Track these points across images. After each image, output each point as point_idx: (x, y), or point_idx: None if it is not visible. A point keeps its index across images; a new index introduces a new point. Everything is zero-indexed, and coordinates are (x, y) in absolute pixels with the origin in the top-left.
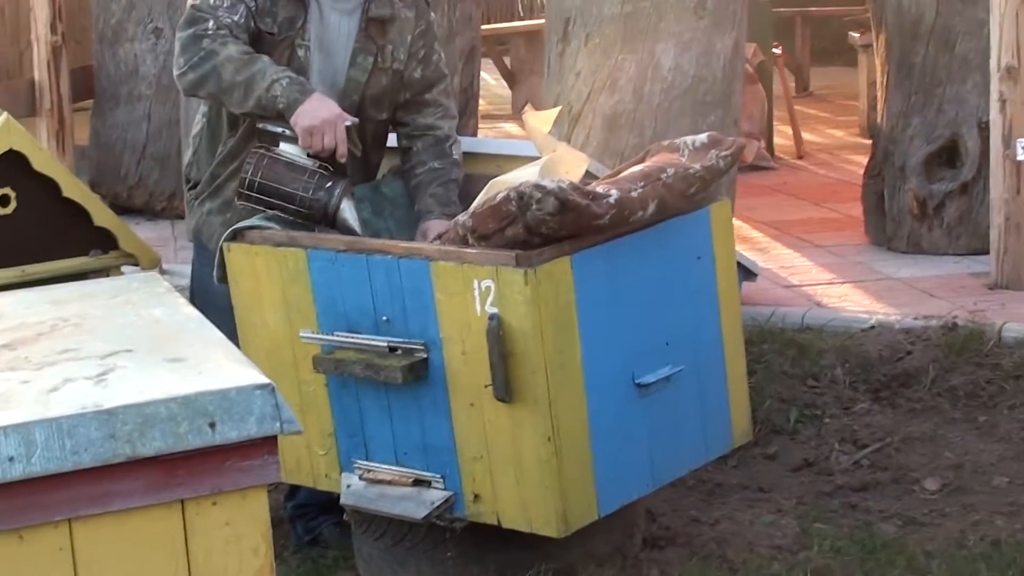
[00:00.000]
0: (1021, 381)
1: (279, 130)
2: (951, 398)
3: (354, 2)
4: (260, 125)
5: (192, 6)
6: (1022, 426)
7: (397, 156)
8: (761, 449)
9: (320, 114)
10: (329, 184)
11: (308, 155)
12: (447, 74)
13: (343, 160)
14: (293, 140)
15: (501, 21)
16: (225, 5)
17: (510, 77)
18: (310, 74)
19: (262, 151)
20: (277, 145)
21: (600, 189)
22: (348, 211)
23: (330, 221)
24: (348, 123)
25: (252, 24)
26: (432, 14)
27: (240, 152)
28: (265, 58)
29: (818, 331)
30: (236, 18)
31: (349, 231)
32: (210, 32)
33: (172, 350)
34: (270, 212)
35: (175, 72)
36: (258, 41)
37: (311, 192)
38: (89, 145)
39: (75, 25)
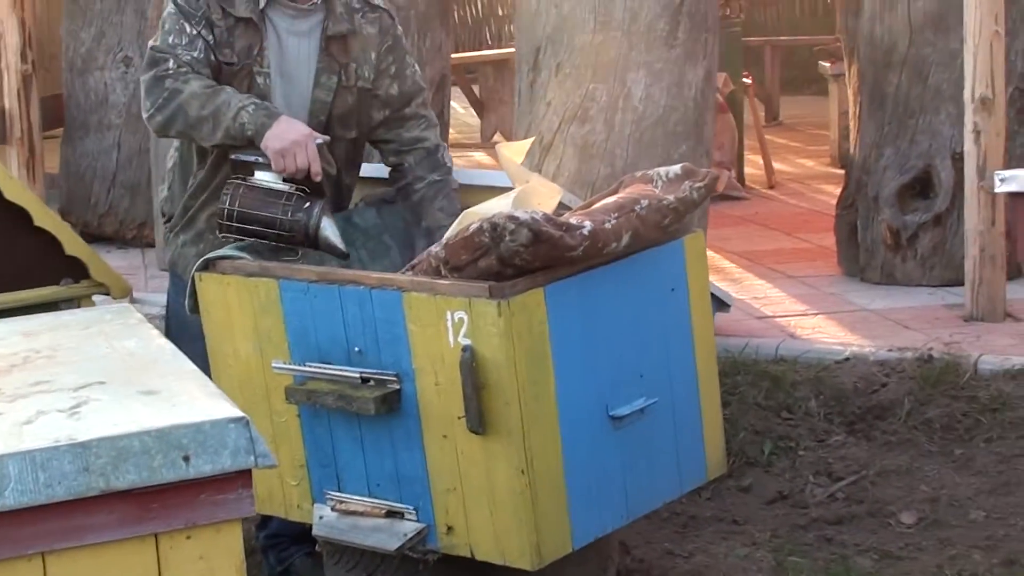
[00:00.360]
0: (997, 414)
1: (252, 158)
2: (927, 431)
3: (311, 23)
4: (233, 156)
5: (152, 47)
6: (999, 459)
7: (367, 187)
8: (735, 481)
9: (289, 136)
10: (307, 205)
11: (284, 179)
12: (424, 86)
13: (318, 179)
14: (267, 166)
15: (469, 50)
16: (183, 43)
17: (479, 106)
18: (273, 100)
19: (238, 181)
20: (253, 174)
21: (573, 220)
22: (329, 229)
23: (312, 242)
24: (319, 141)
25: (212, 57)
26: (399, 28)
27: (210, 183)
28: (229, 89)
29: (792, 363)
30: (195, 54)
31: (332, 249)
32: (171, 72)
33: (146, 382)
34: (251, 241)
35: (144, 115)
36: (219, 73)
37: (290, 215)
38: (59, 173)
39: (45, 53)
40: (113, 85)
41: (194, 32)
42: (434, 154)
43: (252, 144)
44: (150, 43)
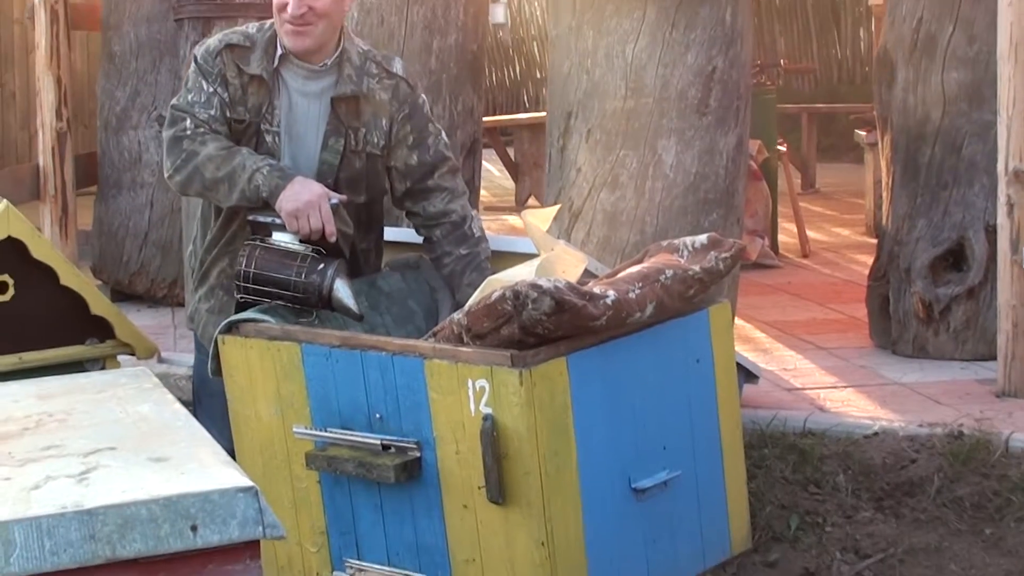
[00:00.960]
0: None
1: (269, 220)
2: (956, 509)
3: (322, 84)
4: (251, 217)
5: (173, 106)
6: None
7: (393, 251)
8: (761, 557)
9: (303, 196)
10: (321, 266)
11: (300, 240)
12: (449, 156)
13: (333, 239)
14: (284, 227)
15: (506, 112)
16: (201, 100)
17: (514, 169)
18: (281, 159)
19: (255, 242)
20: (270, 235)
21: (597, 289)
22: (342, 290)
23: (325, 303)
24: (334, 201)
25: (226, 115)
26: (422, 97)
27: (220, 239)
28: (244, 150)
29: (820, 436)
30: (213, 112)
31: (345, 310)
32: (189, 132)
33: (156, 448)
34: (270, 303)
35: (165, 175)
36: (232, 130)
37: (304, 276)
38: (92, 231)
39: (83, 111)
40: (147, 144)
41: (211, 90)
42: (460, 227)
43: (268, 205)
44: (172, 101)
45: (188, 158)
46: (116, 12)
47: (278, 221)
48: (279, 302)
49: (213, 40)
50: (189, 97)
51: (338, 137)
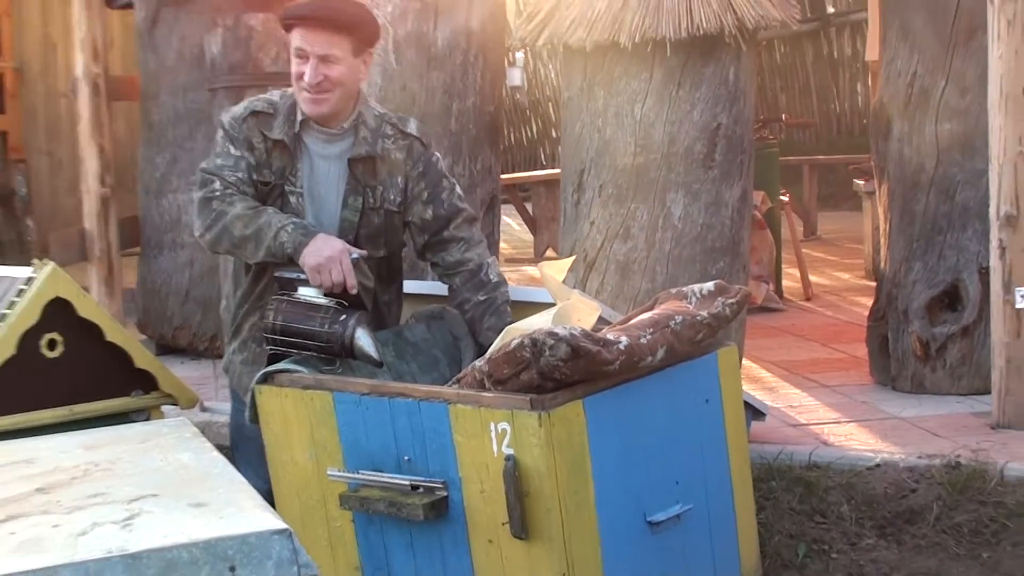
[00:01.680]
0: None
1: (295, 275)
2: (955, 535)
3: (340, 147)
4: (278, 273)
5: (202, 168)
6: None
7: (418, 303)
8: None
9: (324, 252)
10: (343, 317)
11: (324, 294)
12: (463, 207)
13: (354, 291)
14: (308, 282)
15: (524, 170)
16: (229, 164)
17: (532, 223)
18: (305, 217)
19: (282, 297)
20: (296, 290)
21: (611, 336)
22: (363, 339)
23: (348, 352)
24: (354, 256)
25: (252, 177)
26: (435, 155)
27: (251, 294)
28: (270, 209)
29: (825, 468)
30: (240, 175)
31: (367, 358)
32: (218, 193)
33: (196, 494)
34: (297, 353)
35: (196, 234)
36: (258, 191)
37: (327, 327)
38: (136, 289)
39: (126, 176)
40: (185, 207)
41: (238, 154)
42: (478, 274)
43: (292, 261)
44: (202, 164)
45: (217, 218)
46: (154, 83)
47: (303, 276)
48: (306, 352)
49: (239, 108)
50: (218, 161)
51: (356, 196)
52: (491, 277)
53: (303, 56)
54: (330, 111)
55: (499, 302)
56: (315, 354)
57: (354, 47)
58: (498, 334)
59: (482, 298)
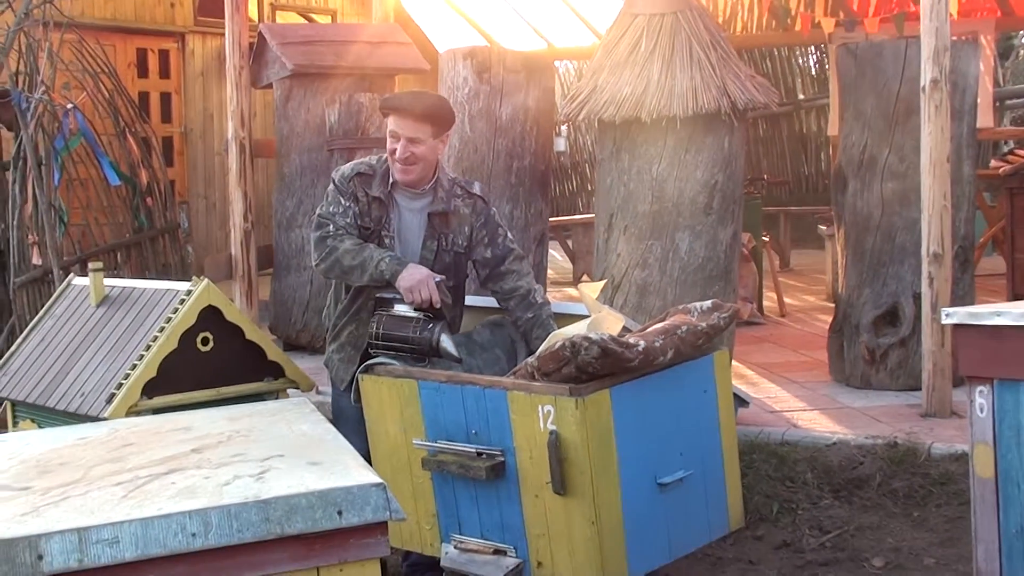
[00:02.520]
0: (945, 487)
1: (391, 296)
2: (892, 498)
3: (423, 203)
4: (379, 295)
5: (318, 215)
6: (946, 520)
7: (484, 313)
8: (751, 532)
9: (416, 276)
10: (431, 326)
11: (415, 309)
12: (514, 248)
13: (438, 306)
14: (402, 301)
15: (566, 215)
16: (339, 211)
17: (572, 255)
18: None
19: (381, 312)
20: (392, 307)
21: (632, 340)
22: (446, 342)
23: (435, 352)
24: (437, 279)
25: (357, 222)
26: (493, 209)
27: (350, 310)
28: (371, 246)
29: (794, 445)
30: (348, 220)
31: (449, 356)
32: (331, 233)
33: (313, 456)
34: (394, 354)
35: (312, 263)
36: (361, 234)
37: (418, 334)
38: (269, 301)
39: (263, 215)
40: (308, 238)
41: (347, 204)
42: (527, 297)
43: (389, 285)
44: (318, 210)
45: (331, 252)
46: (286, 144)
47: (397, 296)
48: (401, 353)
49: (347, 168)
50: (330, 208)
51: (433, 240)
52: (537, 299)
53: (396, 137)
54: (415, 178)
55: (543, 317)
56: (407, 354)
57: (434, 131)
58: (543, 341)
59: (530, 315)
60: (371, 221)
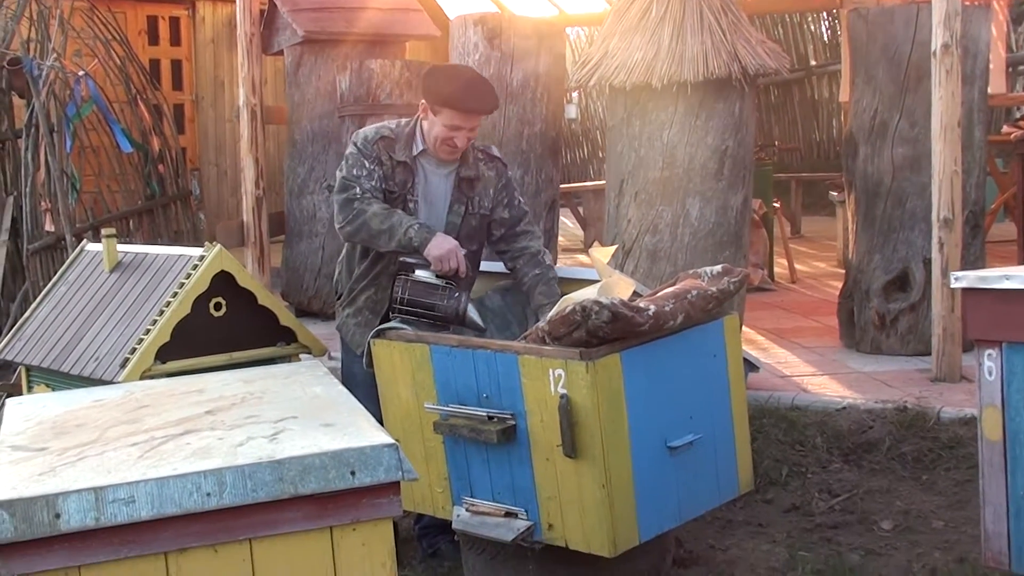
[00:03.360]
0: (954, 450)
1: (414, 261)
2: (902, 462)
3: (449, 168)
4: (402, 259)
5: (343, 178)
6: (954, 483)
7: (495, 279)
8: (761, 495)
9: (445, 246)
10: (457, 295)
11: (436, 276)
12: (527, 210)
13: (463, 277)
14: (424, 267)
15: (577, 181)
16: (364, 174)
17: (583, 222)
18: (419, 218)
19: (404, 277)
20: (413, 272)
21: (642, 304)
22: (472, 312)
23: (460, 321)
24: (463, 251)
25: (382, 185)
26: (509, 172)
27: (368, 275)
28: (399, 211)
29: (804, 410)
30: (373, 183)
31: (474, 326)
32: (358, 196)
33: (326, 417)
34: (417, 320)
35: (336, 226)
36: (385, 197)
37: (445, 301)
38: (281, 267)
39: (274, 182)
40: (319, 205)
41: (371, 167)
42: (536, 256)
43: (416, 251)
44: (341, 174)
45: (357, 215)
46: (297, 111)
47: (421, 262)
48: (424, 320)
49: (369, 131)
50: (354, 171)
51: (460, 204)
52: (545, 260)
53: (458, 129)
54: (458, 156)
55: (548, 276)
56: (430, 321)
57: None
58: (547, 298)
59: (537, 272)
60: (395, 185)
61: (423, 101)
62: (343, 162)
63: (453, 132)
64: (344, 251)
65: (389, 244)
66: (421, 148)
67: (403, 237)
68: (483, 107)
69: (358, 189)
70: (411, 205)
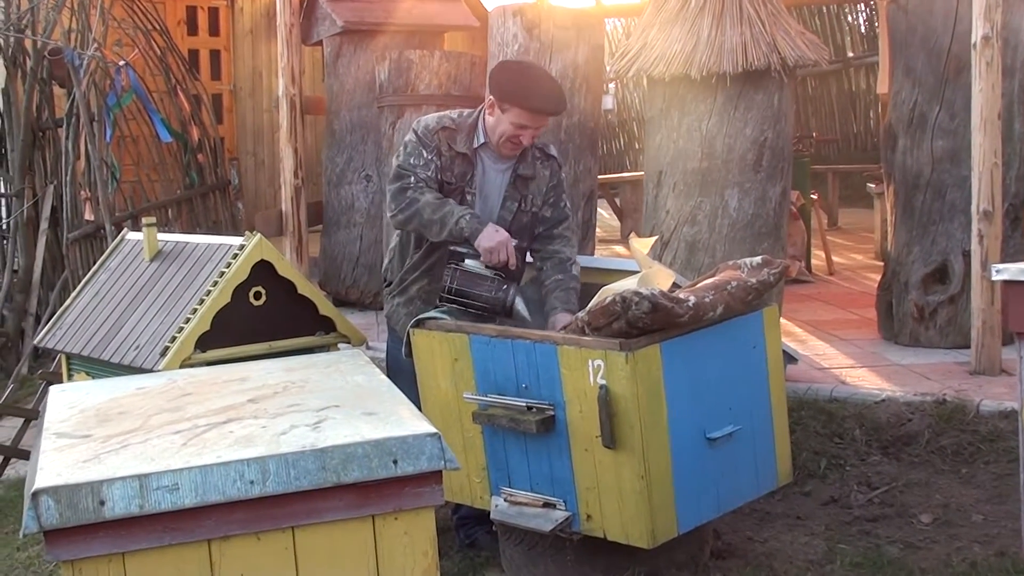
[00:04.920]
0: (993, 443)
1: (464, 251)
2: (941, 455)
3: (507, 165)
4: (452, 248)
5: (398, 166)
6: (994, 477)
7: (531, 270)
8: (799, 488)
9: (497, 238)
10: (505, 287)
11: (486, 267)
12: (570, 215)
13: (513, 269)
14: (474, 257)
15: (614, 172)
16: (420, 164)
17: (619, 213)
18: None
19: (454, 266)
20: (463, 261)
21: (682, 296)
22: (520, 305)
23: (507, 313)
24: (514, 244)
25: (438, 176)
26: (563, 172)
27: (421, 265)
28: (452, 201)
29: (843, 402)
30: (429, 173)
31: (521, 319)
32: (412, 185)
33: (368, 406)
34: (465, 310)
35: (388, 214)
36: (441, 188)
37: (494, 293)
38: (319, 256)
39: (312, 172)
40: (357, 195)
41: (429, 157)
42: (564, 263)
43: (467, 242)
44: (397, 162)
45: (411, 204)
46: (336, 101)
47: (470, 252)
48: (471, 310)
49: (431, 119)
50: (411, 160)
51: (513, 201)
52: (572, 270)
53: (525, 128)
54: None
55: (570, 285)
56: (477, 312)
57: None
58: (561, 304)
59: (559, 277)
60: (453, 176)
61: (490, 96)
62: (400, 148)
63: (520, 131)
64: (397, 240)
65: (441, 234)
66: (482, 141)
67: (454, 227)
68: (553, 108)
69: (412, 178)
70: (468, 197)
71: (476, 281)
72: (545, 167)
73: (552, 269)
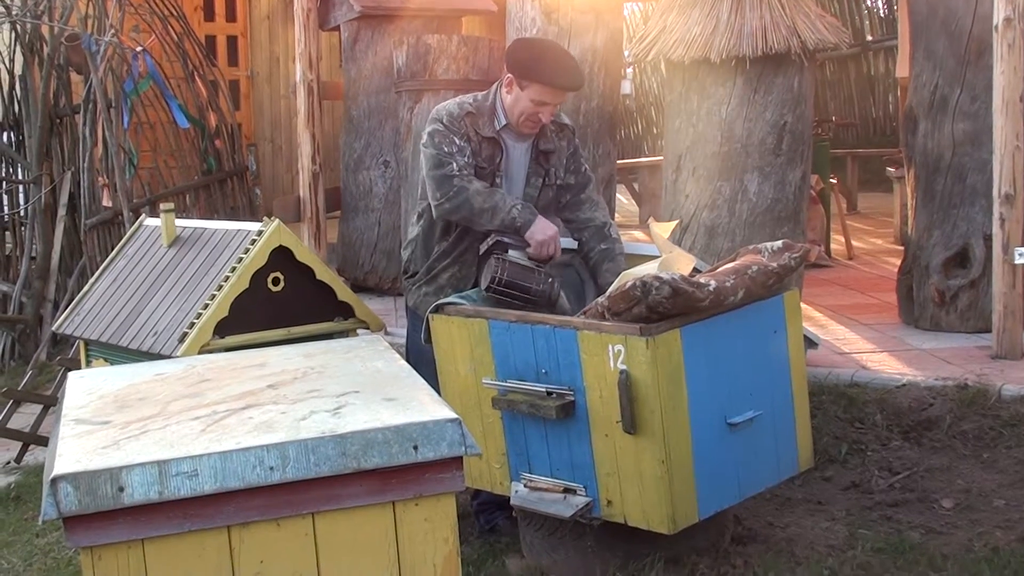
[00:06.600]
0: (1016, 428)
1: (509, 241)
2: (962, 439)
3: (526, 142)
4: (498, 238)
5: (435, 154)
6: (1016, 462)
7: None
8: (820, 473)
9: (548, 231)
10: (550, 280)
11: (529, 258)
12: (592, 177)
13: (557, 261)
14: (518, 248)
15: (632, 157)
16: (456, 150)
17: (638, 198)
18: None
19: (499, 257)
20: (506, 251)
21: (702, 280)
22: (563, 298)
23: (551, 305)
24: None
25: (472, 161)
26: (577, 139)
27: (451, 252)
28: (500, 191)
29: (863, 387)
30: (467, 159)
31: (564, 311)
32: (455, 172)
33: (388, 392)
34: (510, 301)
35: (433, 203)
36: (475, 173)
37: (541, 286)
38: (337, 242)
39: (330, 158)
40: (375, 180)
41: (461, 143)
42: (602, 229)
43: (517, 232)
44: (429, 151)
45: (459, 192)
46: (354, 87)
47: (516, 243)
48: (516, 302)
49: (451, 106)
50: (445, 148)
51: (538, 176)
52: (612, 234)
53: (544, 105)
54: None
55: (616, 252)
56: (522, 303)
57: None
58: (614, 276)
59: (604, 247)
60: (484, 161)
61: (508, 75)
62: (428, 138)
63: (539, 108)
64: (419, 230)
65: (491, 223)
66: (504, 123)
67: (506, 216)
68: (572, 83)
69: (454, 165)
70: (498, 180)
71: (525, 273)
72: (562, 138)
73: (592, 239)
